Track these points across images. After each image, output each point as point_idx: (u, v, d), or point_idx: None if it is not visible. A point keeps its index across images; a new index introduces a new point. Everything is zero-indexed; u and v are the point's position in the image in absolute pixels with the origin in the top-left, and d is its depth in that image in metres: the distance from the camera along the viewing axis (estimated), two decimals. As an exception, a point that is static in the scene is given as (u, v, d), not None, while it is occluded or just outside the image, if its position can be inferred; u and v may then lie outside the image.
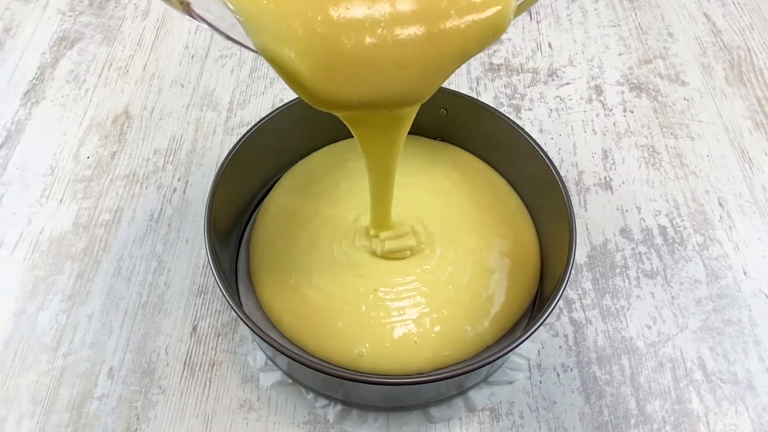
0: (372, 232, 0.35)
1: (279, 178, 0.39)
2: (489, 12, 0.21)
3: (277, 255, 0.36)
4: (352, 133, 0.27)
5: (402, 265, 0.35)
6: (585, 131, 0.46)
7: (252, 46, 0.21)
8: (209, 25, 0.21)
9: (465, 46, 0.21)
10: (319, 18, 0.19)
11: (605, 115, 0.47)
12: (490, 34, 0.21)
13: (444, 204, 0.38)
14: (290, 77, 0.21)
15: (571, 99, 0.48)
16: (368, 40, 0.20)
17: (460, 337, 0.33)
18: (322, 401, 0.34)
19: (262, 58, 0.21)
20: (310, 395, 0.34)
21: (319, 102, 0.22)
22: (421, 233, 0.36)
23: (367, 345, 0.32)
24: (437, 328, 0.33)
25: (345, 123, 0.26)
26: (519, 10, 0.22)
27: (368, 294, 0.34)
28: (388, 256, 0.35)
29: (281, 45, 0.20)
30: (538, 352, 0.36)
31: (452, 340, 0.32)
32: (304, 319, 0.33)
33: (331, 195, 0.38)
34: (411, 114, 0.25)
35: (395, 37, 0.20)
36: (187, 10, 0.21)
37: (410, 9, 0.20)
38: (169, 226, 0.41)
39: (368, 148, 0.28)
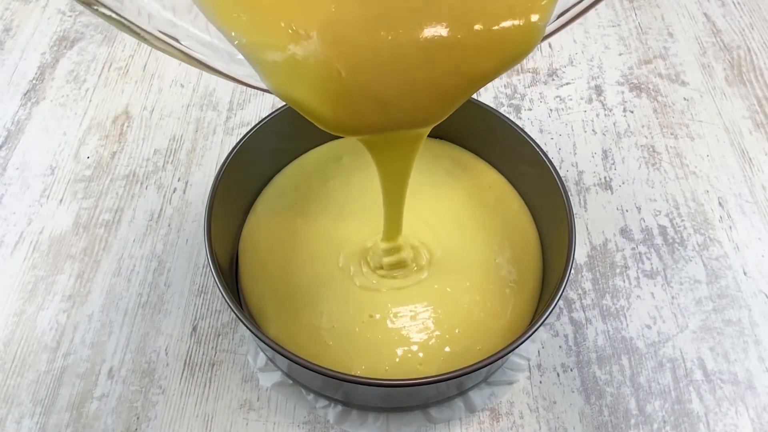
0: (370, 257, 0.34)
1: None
2: (516, 21, 0.20)
3: (264, 260, 0.35)
4: (367, 150, 0.26)
5: (413, 287, 0.33)
6: (585, 131, 0.46)
7: (264, 87, 0.21)
8: (220, 73, 0.21)
9: (488, 66, 0.20)
10: (332, 54, 0.19)
11: (605, 115, 0.47)
12: (516, 52, 0.20)
13: (451, 204, 0.37)
14: (307, 114, 0.21)
15: (571, 99, 0.48)
16: (388, 68, 0.19)
17: (469, 356, 0.31)
18: (322, 402, 0.34)
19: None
20: (310, 396, 0.34)
21: (337, 131, 0.21)
22: (426, 249, 0.35)
23: (363, 367, 0.31)
24: (447, 349, 0.31)
25: (360, 143, 0.25)
26: (549, 32, 0.21)
27: (361, 316, 0.32)
28: (388, 274, 0.34)
29: (295, 86, 0.20)
30: (538, 352, 0.36)
31: (460, 361, 0.31)
32: (291, 332, 0.32)
33: (322, 196, 0.37)
34: (427, 130, 0.25)
35: (415, 62, 0.19)
36: (194, 62, 0.21)
37: (428, 33, 0.19)
38: (169, 226, 0.41)
39: (383, 164, 0.27)
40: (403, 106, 0.21)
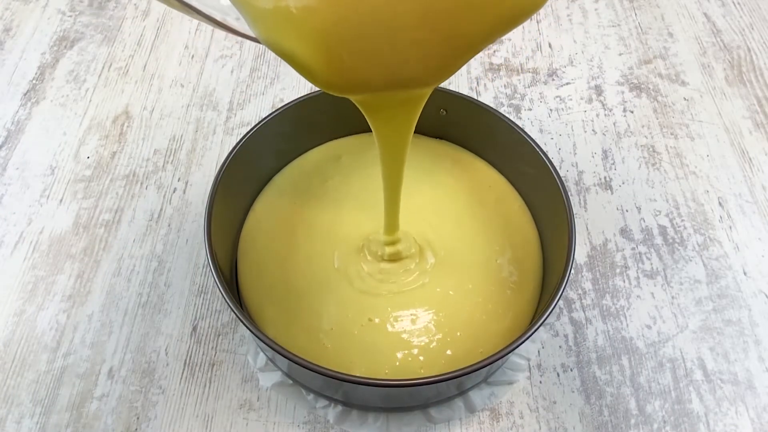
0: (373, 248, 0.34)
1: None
2: None
3: (263, 261, 0.35)
4: (365, 115, 0.25)
5: (414, 290, 0.33)
6: (585, 131, 0.46)
7: (254, 36, 0.20)
8: (211, 20, 0.20)
9: (492, 23, 0.19)
10: (327, 5, 0.18)
11: (605, 115, 0.47)
12: (524, 7, 0.19)
13: (452, 204, 0.37)
14: (301, 69, 0.20)
15: (571, 99, 0.48)
16: (386, 21, 0.18)
17: (471, 359, 0.30)
18: (322, 402, 0.34)
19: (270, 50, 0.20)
20: (310, 396, 0.34)
21: (329, 87, 0.20)
22: (430, 252, 0.34)
23: (363, 370, 0.31)
24: (448, 352, 0.31)
25: (357, 106, 0.24)
26: None
27: (360, 320, 0.32)
28: (391, 259, 0.33)
29: (286, 37, 0.19)
30: (538, 352, 0.36)
31: (462, 364, 0.30)
32: (290, 333, 0.32)
33: (321, 196, 0.37)
34: (427, 93, 0.23)
35: (414, 16, 0.18)
36: (186, 9, 0.20)
37: None
38: (169, 226, 0.41)
39: (381, 127, 0.26)
40: (400, 63, 0.20)
